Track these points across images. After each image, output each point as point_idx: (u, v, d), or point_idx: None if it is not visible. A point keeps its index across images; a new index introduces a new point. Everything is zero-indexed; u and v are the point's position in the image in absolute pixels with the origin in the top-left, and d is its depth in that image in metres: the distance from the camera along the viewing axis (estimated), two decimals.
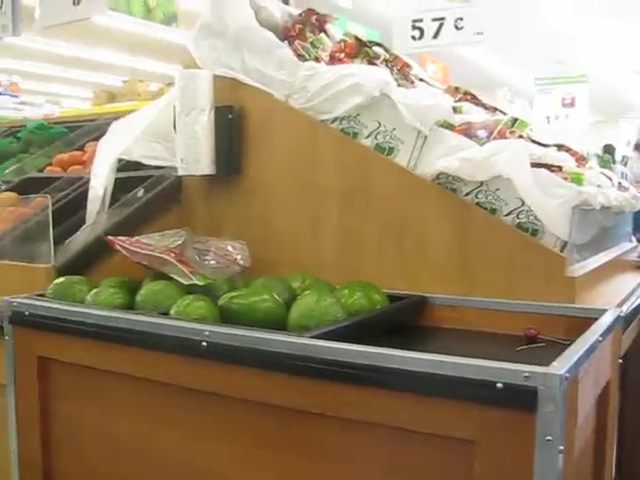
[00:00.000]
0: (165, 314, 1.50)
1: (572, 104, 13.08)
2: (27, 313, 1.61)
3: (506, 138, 1.84)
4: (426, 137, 1.81)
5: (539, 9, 9.16)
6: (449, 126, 1.85)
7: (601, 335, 1.28)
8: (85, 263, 1.88)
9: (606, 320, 1.40)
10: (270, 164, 1.99)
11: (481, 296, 1.66)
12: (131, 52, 12.27)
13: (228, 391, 1.30)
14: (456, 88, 2.31)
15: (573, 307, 1.57)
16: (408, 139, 1.82)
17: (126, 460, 1.48)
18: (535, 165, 1.74)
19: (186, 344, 1.33)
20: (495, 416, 1.02)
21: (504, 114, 2.15)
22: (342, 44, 2.08)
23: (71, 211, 2.16)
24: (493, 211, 1.73)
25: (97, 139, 2.40)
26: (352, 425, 1.16)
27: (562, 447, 1.00)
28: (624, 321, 1.57)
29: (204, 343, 1.31)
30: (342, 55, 2.04)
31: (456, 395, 1.06)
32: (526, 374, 1.01)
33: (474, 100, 2.23)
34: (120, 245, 1.70)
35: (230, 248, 1.82)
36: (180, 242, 1.78)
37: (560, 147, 2.11)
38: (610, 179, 2.39)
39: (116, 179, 2.10)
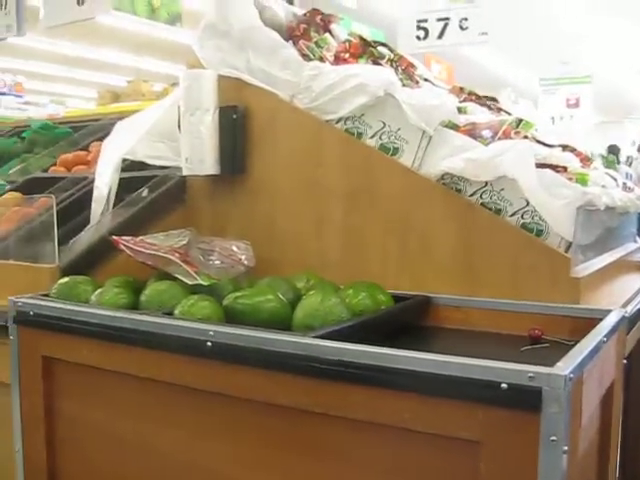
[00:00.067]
0: (169, 314, 1.50)
1: (577, 104, 13.07)
2: (32, 313, 1.61)
3: (511, 138, 1.84)
4: (431, 137, 1.81)
5: (544, 9, 9.15)
6: (454, 126, 1.85)
7: (605, 336, 1.28)
8: (89, 263, 1.88)
9: (610, 321, 1.40)
10: (275, 164, 1.99)
11: (485, 296, 1.66)
12: (135, 52, 12.29)
13: (233, 391, 1.30)
14: (461, 88, 2.31)
15: (577, 308, 1.56)
16: (413, 139, 1.82)
17: (130, 460, 1.48)
18: (540, 165, 1.74)
19: (191, 344, 1.33)
20: (499, 416, 1.02)
21: (509, 114, 2.15)
22: (347, 44, 2.08)
23: (75, 211, 2.16)
24: (498, 211, 1.73)
25: (101, 139, 2.40)
26: (356, 425, 1.16)
27: (566, 447, 0.99)
28: (628, 322, 1.57)
29: (209, 343, 1.31)
30: (347, 55, 2.04)
31: (460, 395, 1.05)
32: (531, 374, 1.01)
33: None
34: (124, 245, 1.70)
35: (235, 248, 1.82)
36: (184, 242, 1.78)
37: (565, 147, 2.11)
38: (615, 179, 2.39)
39: (120, 179, 2.10)
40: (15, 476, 1.67)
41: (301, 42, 2.03)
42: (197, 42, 2.08)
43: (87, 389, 1.57)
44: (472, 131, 1.85)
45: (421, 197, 1.79)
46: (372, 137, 1.86)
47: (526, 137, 1.89)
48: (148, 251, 1.68)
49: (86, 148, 2.89)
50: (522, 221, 1.71)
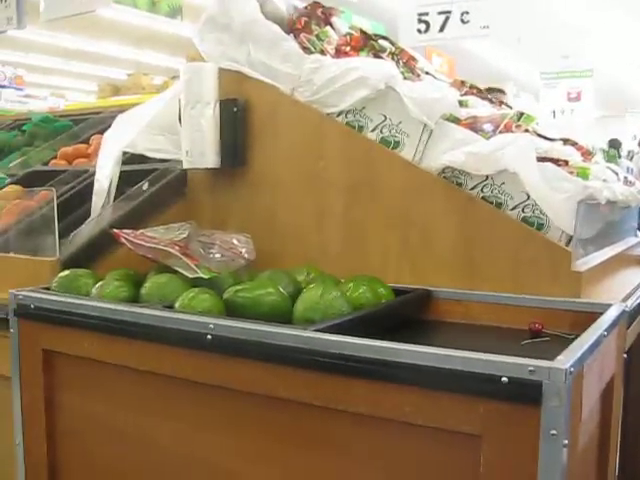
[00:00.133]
0: (170, 307, 1.50)
1: (578, 98, 13.05)
2: (32, 306, 1.61)
3: (512, 132, 1.84)
4: (432, 131, 1.81)
5: (545, 3, 9.13)
6: (455, 120, 1.85)
7: (606, 330, 1.28)
8: (90, 256, 1.88)
9: (611, 315, 1.40)
10: (275, 157, 1.99)
11: (486, 290, 1.66)
12: (136, 45, 12.29)
13: (233, 384, 1.30)
14: (462, 82, 2.31)
15: (578, 301, 1.56)
16: (414, 133, 1.82)
17: (131, 452, 1.48)
18: (541, 159, 1.74)
19: (191, 337, 1.33)
20: (500, 410, 1.02)
21: (510, 108, 2.14)
22: (348, 37, 2.08)
23: (76, 204, 2.16)
24: (499, 205, 1.73)
25: (102, 132, 2.40)
26: (357, 418, 1.16)
27: (566, 441, 1.00)
28: (629, 316, 1.57)
29: (209, 336, 1.31)
30: (348, 48, 2.04)
31: (461, 389, 1.06)
32: (531, 368, 1.01)
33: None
34: (125, 238, 1.70)
35: (235, 241, 1.82)
36: (185, 235, 1.78)
37: (566, 141, 2.11)
38: (616, 173, 2.39)
39: (121, 172, 2.10)
40: (16, 469, 1.67)
41: (302, 35, 2.03)
42: (198, 35, 2.08)
43: (87, 382, 1.57)
44: (473, 125, 1.85)
45: (422, 191, 1.79)
46: (373, 130, 1.86)
47: (527, 131, 1.89)
48: (148, 244, 1.68)
49: (86, 141, 2.89)
50: (523, 215, 1.70)
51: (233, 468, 1.33)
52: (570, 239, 1.67)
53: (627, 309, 1.52)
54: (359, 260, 1.85)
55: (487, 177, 1.73)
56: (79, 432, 1.59)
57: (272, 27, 1.97)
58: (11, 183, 2.58)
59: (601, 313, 1.42)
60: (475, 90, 2.26)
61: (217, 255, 1.76)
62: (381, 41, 2.13)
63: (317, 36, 2.05)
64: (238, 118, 2.00)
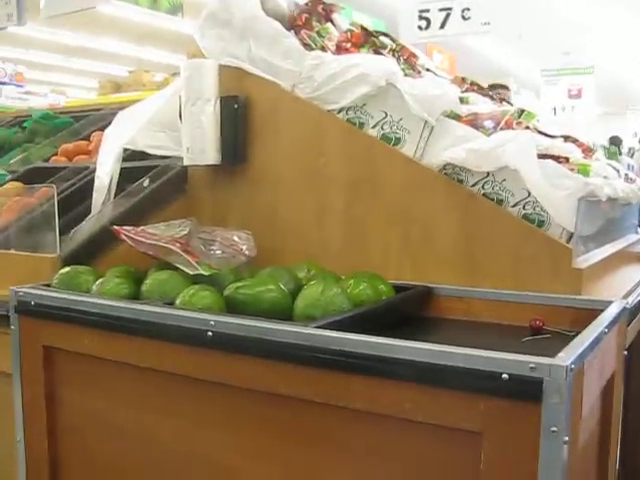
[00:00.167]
0: (170, 304, 1.50)
1: (578, 95, 13.04)
2: (33, 303, 1.61)
3: (513, 129, 1.84)
4: (433, 127, 1.81)
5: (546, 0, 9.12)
6: (456, 116, 1.84)
7: (606, 327, 1.28)
8: (90, 253, 1.88)
9: (612, 312, 1.40)
10: (276, 154, 1.99)
11: (487, 287, 1.65)
12: (137, 42, 12.28)
13: (234, 381, 1.30)
14: (463, 78, 2.31)
15: (579, 298, 1.56)
16: (414, 129, 1.82)
17: (131, 449, 1.48)
18: (542, 156, 1.74)
19: (191, 334, 1.33)
20: (500, 407, 1.02)
21: (511, 105, 2.14)
22: (349, 34, 2.08)
23: (76, 201, 2.16)
24: (499, 202, 1.72)
25: (103, 129, 2.40)
26: (357, 415, 1.16)
27: (567, 438, 0.99)
28: (629, 313, 1.57)
29: (210, 333, 1.31)
30: (349, 45, 2.04)
31: (461, 386, 1.05)
32: (532, 365, 1.00)
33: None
34: (125, 235, 1.70)
35: (236, 238, 1.82)
36: (186, 232, 1.78)
37: (567, 138, 2.11)
38: (617, 170, 2.39)
39: (121, 169, 2.10)
40: (17, 465, 1.67)
41: (303, 32, 2.03)
42: (198, 31, 2.07)
43: (88, 379, 1.57)
44: (474, 121, 1.85)
45: (423, 187, 1.79)
46: (374, 127, 1.86)
47: (528, 128, 1.89)
48: (149, 241, 1.68)
49: (87, 138, 2.89)
50: (524, 212, 1.70)
51: (233, 465, 1.33)
52: (571, 236, 1.67)
53: (628, 306, 1.52)
54: (360, 257, 1.85)
55: (488, 174, 1.73)
56: (80, 429, 1.59)
57: (273, 23, 1.97)
58: (11, 180, 2.58)
59: (602, 310, 1.41)
60: (476, 87, 2.26)
61: (218, 252, 1.76)
62: (382, 38, 2.13)
63: (318, 33, 2.05)
64: (239, 115, 2.00)
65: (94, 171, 2.14)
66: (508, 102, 2.24)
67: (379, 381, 1.13)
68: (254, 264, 1.78)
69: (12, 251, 1.98)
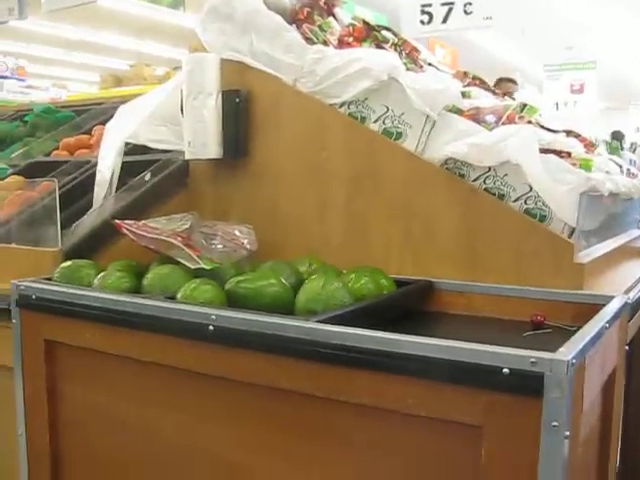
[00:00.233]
0: (172, 298, 1.50)
1: (581, 90, 13.01)
2: (34, 297, 1.61)
3: (515, 123, 1.83)
4: (434, 122, 1.80)
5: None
6: (458, 111, 1.84)
7: (608, 322, 1.28)
8: (92, 247, 1.88)
9: (613, 307, 1.40)
10: (278, 148, 1.99)
11: (488, 282, 1.65)
12: (138, 36, 12.26)
13: (235, 375, 1.30)
14: (465, 73, 2.30)
15: (580, 293, 1.56)
16: (416, 124, 1.81)
17: (133, 443, 1.49)
18: (544, 151, 1.73)
19: (193, 328, 1.34)
20: (502, 401, 1.02)
21: (513, 99, 2.14)
22: (351, 28, 2.07)
23: (78, 195, 2.16)
24: (501, 197, 1.72)
25: (104, 123, 2.40)
26: (359, 410, 1.16)
27: (568, 433, 1.00)
28: (631, 308, 1.56)
29: (211, 327, 1.31)
30: (350, 39, 2.03)
31: (463, 380, 1.05)
32: (533, 360, 1.00)
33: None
34: (127, 229, 1.69)
35: (237, 232, 1.82)
36: (187, 226, 1.78)
37: (569, 133, 2.10)
38: (619, 165, 2.39)
39: (123, 163, 2.10)
40: (18, 459, 1.68)
41: (305, 26, 2.02)
42: (200, 25, 2.07)
43: (90, 373, 1.57)
44: (476, 116, 1.84)
45: (424, 182, 1.79)
46: (375, 121, 1.86)
47: (530, 122, 1.88)
48: (150, 235, 1.68)
49: (89, 132, 2.89)
50: (525, 206, 1.70)
51: (235, 459, 1.34)
52: (572, 231, 1.67)
53: (629, 301, 1.52)
54: (361, 251, 1.85)
55: (490, 168, 1.73)
56: (81, 422, 1.59)
57: (275, 17, 1.97)
58: (13, 174, 2.58)
59: (603, 305, 1.41)
60: (478, 81, 2.26)
61: (219, 246, 1.76)
62: (384, 32, 2.13)
63: (320, 27, 2.04)
64: (240, 109, 1.99)
65: (95, 165, 2.14)
66: (511, 97, 2.23)
67: (381, 375, 1.13)
68: (255, 258, 1.78)
69: (13, 245, 1.99)
